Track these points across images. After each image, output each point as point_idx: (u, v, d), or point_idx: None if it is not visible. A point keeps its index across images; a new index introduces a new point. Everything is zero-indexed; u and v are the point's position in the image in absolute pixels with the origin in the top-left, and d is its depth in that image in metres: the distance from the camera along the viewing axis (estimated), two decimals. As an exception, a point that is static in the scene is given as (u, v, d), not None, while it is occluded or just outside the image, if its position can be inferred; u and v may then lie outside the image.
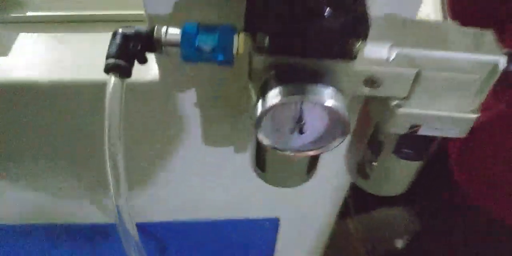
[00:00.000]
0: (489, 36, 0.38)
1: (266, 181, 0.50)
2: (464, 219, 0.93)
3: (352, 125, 0.50)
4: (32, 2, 0.59)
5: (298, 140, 0.36)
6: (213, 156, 0.63)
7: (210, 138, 0.59)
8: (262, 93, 0.34)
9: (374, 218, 1.25)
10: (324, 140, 0.36)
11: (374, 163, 0.45)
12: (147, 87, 0.51)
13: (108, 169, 0.40)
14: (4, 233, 0.77)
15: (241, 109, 0.53)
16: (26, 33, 0.56)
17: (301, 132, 0.35)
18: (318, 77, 0.33)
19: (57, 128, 0.57)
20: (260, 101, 0.33)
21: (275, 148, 0.37)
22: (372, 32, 0.36)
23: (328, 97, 0.32)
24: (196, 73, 0.49)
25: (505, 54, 0.37)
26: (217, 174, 0.68)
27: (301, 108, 0.33)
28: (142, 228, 0.72)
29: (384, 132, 0.41)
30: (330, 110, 0.33)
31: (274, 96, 0.32)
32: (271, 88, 0.33)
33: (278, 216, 0.76)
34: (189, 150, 0.61)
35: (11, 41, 0.55)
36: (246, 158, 0.61)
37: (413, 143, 0.41)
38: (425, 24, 0.39)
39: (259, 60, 0.34)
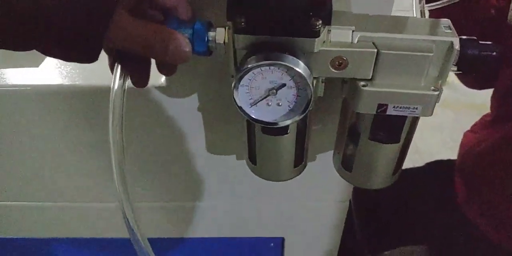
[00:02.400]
0: (446, 23, 0.43)
1: (258, 174, 0.53)
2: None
3: (335, 124, 0.54)
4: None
5: (273, 114, 0.41)
6: (218, 171, 0.67)
7: (214, 145, 0.63)
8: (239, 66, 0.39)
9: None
10: (294, 113, 0.41)
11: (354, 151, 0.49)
12: (155, 92, 0.58)
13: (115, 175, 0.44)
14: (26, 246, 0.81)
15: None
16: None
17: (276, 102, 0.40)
18: (288, 53, 0.39)
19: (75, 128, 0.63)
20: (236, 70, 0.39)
21: (254, 120, 0.41)
22: (341, 21, 0.42)
23: (294, 64, 0.37)
24: (199, 80, 0.56)
25: (460, 39, 0.41)
26: (223, 191, 0.72)
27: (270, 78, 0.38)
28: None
29: (357, 115, 0.45)
30: (296, 74, 0.38)
31: (247, 63, 0.38)
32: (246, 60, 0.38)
33: (284, 236, 0.77)
34: (194, 159, 0.66)
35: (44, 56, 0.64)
36: (251, 174, 0.65)
37: (384, 125, 0.45)
38: (389, 17, 0.45)
39: (239, 39, 0.39)
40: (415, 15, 0.56)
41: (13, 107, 0.61)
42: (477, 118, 0.98)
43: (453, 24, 0.44)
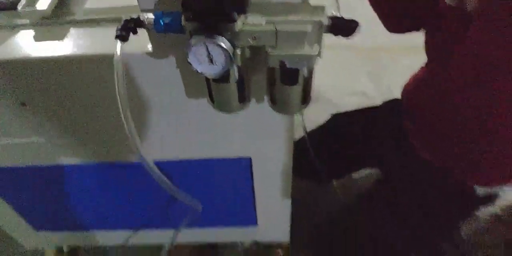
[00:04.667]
0: (323, 8, 0.67)
1: (216, 108, 0.80)
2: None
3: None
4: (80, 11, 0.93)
5: (212, 69, 0.67)
6: (197, 108, 0.94)
7: (192, 92, 0.90)
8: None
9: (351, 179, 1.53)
10: (223, 69, 0.67)
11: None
12: (143, 57, 0.83)
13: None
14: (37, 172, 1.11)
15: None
16: (75, 28, 0.90)
17: (212, 62, 0.66)
18: (219, 33, 0.64)
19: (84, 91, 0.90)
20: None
21: (202, 74, 0.67)
22: (258, 9, 0.66)
23: (220, 41, 0.63)
24: (177, 48, 0.81)
25: (329, 17, 0.66)
26: (200, 120, 0.98)
27: (207, 48, 0.64)
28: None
29: (272, 68, 0.72)
30: (220, 47, 0.64)
31: (191, 41, 0.63)
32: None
33: (250, 156, 1.05)
34: (177, 103, 0.92)
35: (65, 33, 0.89)
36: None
37: (287, 73, 0.71)
38: (289, 3, 0.69)
39: (188, 25, 0.65)
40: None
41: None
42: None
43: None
